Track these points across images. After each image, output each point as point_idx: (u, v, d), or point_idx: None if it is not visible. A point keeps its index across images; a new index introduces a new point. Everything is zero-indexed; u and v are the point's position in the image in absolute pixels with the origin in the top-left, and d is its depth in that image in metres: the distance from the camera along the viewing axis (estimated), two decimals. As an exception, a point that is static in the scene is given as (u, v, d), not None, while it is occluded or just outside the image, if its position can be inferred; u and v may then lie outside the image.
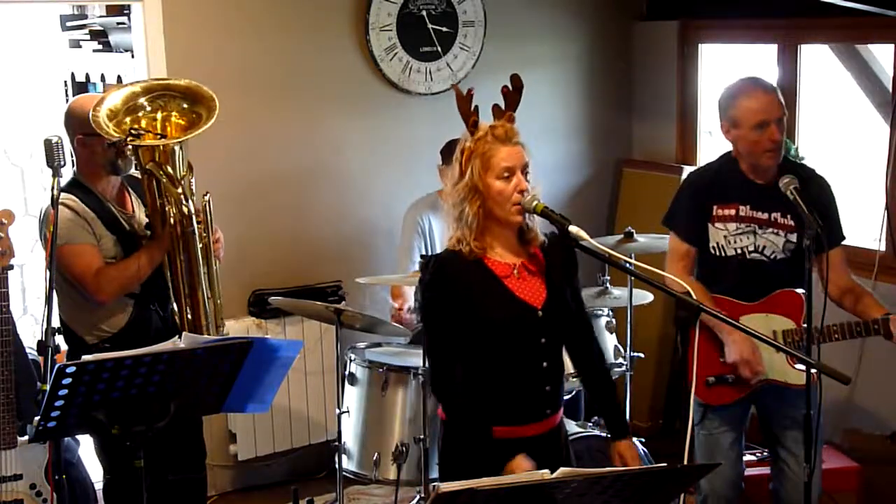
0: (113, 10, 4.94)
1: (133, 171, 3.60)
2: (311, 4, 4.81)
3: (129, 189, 3.68)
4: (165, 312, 3.64)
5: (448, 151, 4.51)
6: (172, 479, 3.72)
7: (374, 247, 5.08)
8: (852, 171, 5.38)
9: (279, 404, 4.71)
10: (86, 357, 2.74)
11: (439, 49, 5.07)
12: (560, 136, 5.51)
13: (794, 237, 3.50)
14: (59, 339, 3.41)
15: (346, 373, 4.14)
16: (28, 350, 3.74)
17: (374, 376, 4.06)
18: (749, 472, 3.92)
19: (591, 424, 4.34)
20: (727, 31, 5.37)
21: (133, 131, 3.41)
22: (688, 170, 5.35)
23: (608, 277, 4.54)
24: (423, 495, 3.97)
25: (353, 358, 4.14)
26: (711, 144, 5.53)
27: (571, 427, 4.11)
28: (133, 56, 4.73)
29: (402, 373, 4.00)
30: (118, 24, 4.91)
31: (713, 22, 5.33)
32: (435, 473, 3.88)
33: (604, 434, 4.20)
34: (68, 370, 2.69)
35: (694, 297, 2.82)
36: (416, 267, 4.45)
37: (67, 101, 5.42)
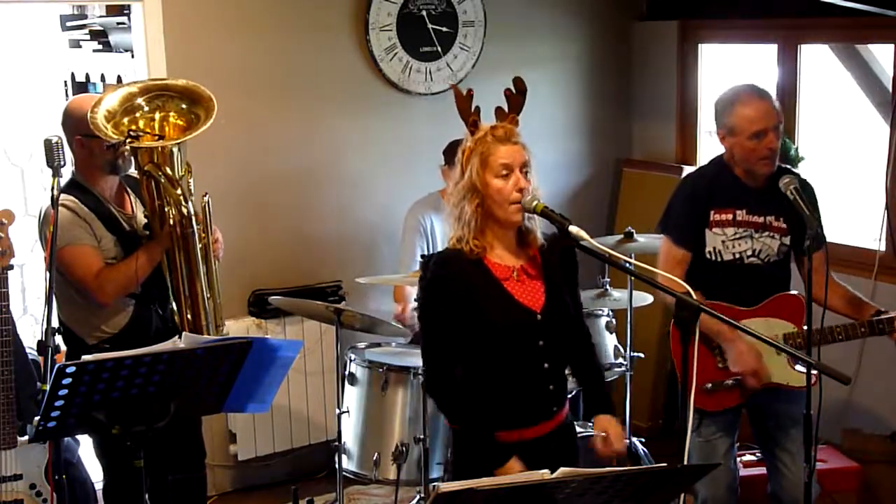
0: (113, 10, 4.94)
1: (132, 171, 3.60)
2: (311, 4, 4.81)
3: (128, 189, 3.68)
4: (165, 312, 3.64)
5: (450, 151, 4.51)
6: (172, 479, 3.72)
7: (374, 247, 5.08)
8: (852, 171, 5.38)
9: (279, 404, 4.71)
10: (86, 357, 2.74)
11: (439, 49, 5.07)
12: (560, 136, 5.51)
13: (787, 240, 3.51)
14: (59, 339, 3.41)
15: (346, 373, 4.14)
16: (28, 350, 3.74)
17: (374, 376, 4.05)
18: (745, 472, 3.92)
19: (591, 424, 4.33)
20: (727, 31, 5.37)
21: (132, 133, 3.40)
22: (688, 170, 5.35)
23: (608, 279, 4.54)
24: (423, 495, 3.97)
25: (353, 358, 4.14)
26: (711, 144, 5.54)
27: (571, 427, 4.11)
28: (133, 56, 4.73)
29: (402, 373, 4.00)
30: (118, 24, 4.91)
31: (713, 22, 5.34)
32: (435, 473, 3.88)
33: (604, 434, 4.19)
34: (68, 370, 2.69)
35: (694, 296, 2.81)
36: (418, 267, 4.45)
37: (67, 101, 5.42)
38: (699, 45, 5.39)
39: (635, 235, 4.42)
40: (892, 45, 4.59)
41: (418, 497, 4.05)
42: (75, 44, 5.41)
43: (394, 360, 4.08)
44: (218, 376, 2.97)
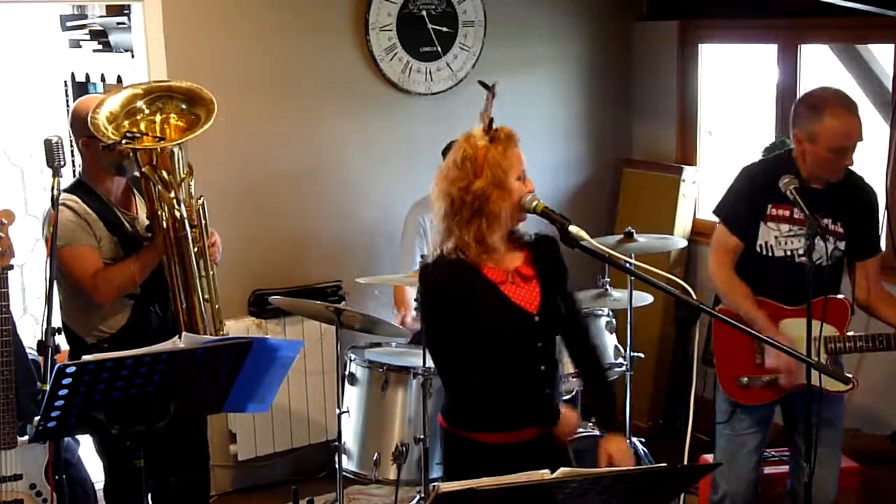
0: (113, 10, 4.94)
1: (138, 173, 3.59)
2: (311, 4, 4.81)
3: (135, 190, 3.68)
4: (166, 314, 3.63)
5: (449, 152, 4.51)
6: (175, 481, 3.72)
7: (374, 247, 5.08)
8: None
9: (279, 404, 4.71)
10: (86, 357, 2.74)
11: (439, 49, 5.07)
12: (560, 136, 5.51)
13: (842, 245, 3.47)
14: (60, 339, 3.41)
15: (346, 373, 4.14)
16: (28, 350, 3.74)
17: (374, 376, 4.06)
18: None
19: (590, 424, 4.33)
20: (727, 31, 5.37)
21: (129, 134, 3.40)
22: (688, 170, 5.36)
23: (608, 279, 4.54)
24: (423, 495, 3.97)
25: (353, 358, 4.14)
26: (711, 144, 5.54)
27: (571, 427, 4.11)
28: (133, 56, 4.73)
29: (402, 373, 4.00)
30: (118, 24, 4.91)
31: (713, 22, 5.33)
32: (435, 473, 3.88)
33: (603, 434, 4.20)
34: (68, 370, 2.69)
35: (694, 296, 2.82)
36: (417, 267, 4.45)
37: (67, 100, 5.42)
38: (699, 45, 5.39)
39: (635, 235, 4.42)
40: (892, 45, 4.59)
41: (418, 497, 4.05)
42: (75, 44, 5.40)
43: (394, 360, 4.08)
44: (218, 376, 2.97)
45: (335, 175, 4.98)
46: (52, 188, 3.36)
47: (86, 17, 5.37)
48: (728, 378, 3.54)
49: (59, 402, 2.76)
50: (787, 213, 3.47)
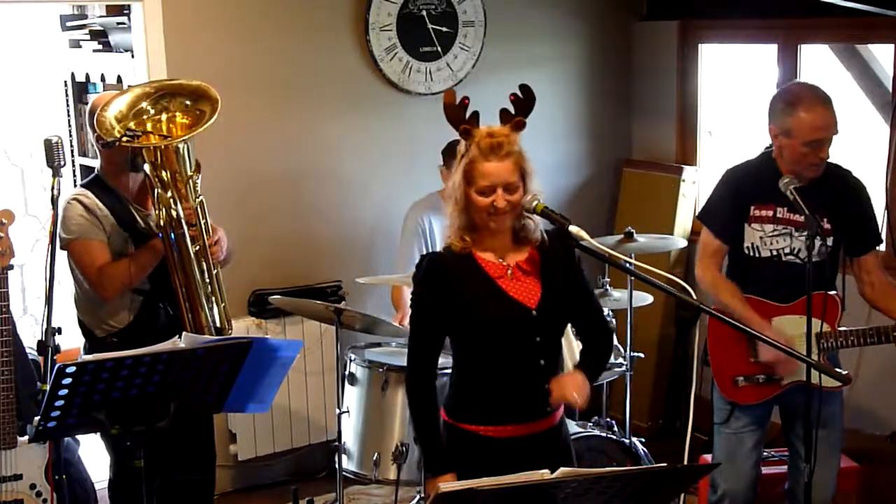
0: (113, 10, 4.93)
1: None
2: (311, 4, 4.81)
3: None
4: (175, 311, 3.63)
5: (449, 152, 4.51)
6: (180, 479, 3.73)
7: (374, 247, 5.08)
8: (852, 171, 5.36)
9: (279, 404, 4.71)
10: (85, 357, 2.74)
11: (439, 49, 5.07)
12: (560, 136, 5.51)
13: (830, 241, 3.47)
14: (60, 339, 3.42)
15: (346, 373, 4.14)
16: (28, 350, 3.74)
17: (374, 376, 4.06)
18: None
19: (591, 424, 4.34)
20: (727, 31, 5.37)
21: (129, 132, 3.41)
22: (688, 170, 5.36)
23: (608, 279, 4.54)
24: (423, 495, 3.97)
25: (353, 358, 4.14)
26: (711, 144, 5.54)
27: (571, 427, 4.11)
28: (133, 56, 4.73)
29: (402, 373, 3.99)
30: (118, 24, 4.90)
31: (713, 22, 5.34)
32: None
33: (604, 434, 4.20)
34: (68, 370, 2.69)
35: (694, 296, 2.82)
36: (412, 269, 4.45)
37: (67, 100, 5.42)
38: (699, 45, 5.39)
39: (635, 235, 4.41)
40: (892, 45, 4.59)
41: (418, 497, 4.05)
42: (75, 44, 5.40)
43: (394, 360, 4.08)
44: (218, 376, 2.98)
45: (335, 175, 4.98)
46: (52, 188, 3.37)
47: (86, 17, 5.36)
48: (724, 378, 3.55)
49: (59, 402, 2.76)
50: (770, 213, 3.49)
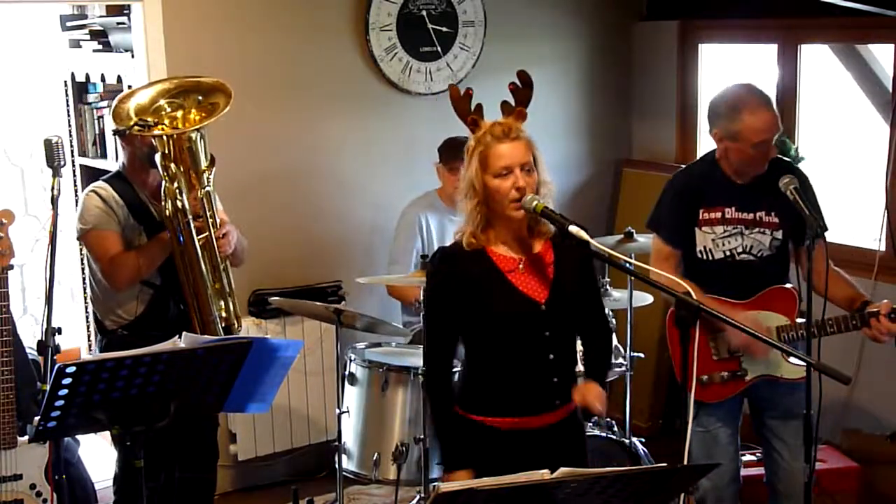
0: (113, 10, 4.94)
1: None
2: (311, 4, 4.81)
3: None
4: (185, 307, 3.66)
5: (445, 149, 4.51)
6: (180, 476, 3.74)
7: (374, 247, 5.08)
8: (852, 171, 5.38)
9: (279, 404, 4.71)
10: (86, 357, 2.75)
11: (439, 49, 5.07)
12: (560, 136, 5.51)
13: (779, 234, 3.51)
14: (59, 339, 3.43)
15: (346, 373, 4.14)
16: (28, 350, 3.75)
17: (374, 376, 4.05)
18: (746, 472, 3.93)
19: (591, 424, 4.33)
20: (727, 31, 5.37)
21: (141, 122, 3.45)
22: (688, 170, 5.36)
23: (608, 279, 4.54)
24: (423, 495, 3.97)
25: (353, 358, 4.14)
26: (711, 144, 5.53)
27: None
28: (133, 56, 4.73)
29: (402, 373, 4.00)
30: (118, 24, 4.90)
31: (713, 22, 5.34)
32: (435, 473, 3.88)
33: (604, 434, 4.20)
34: (68, 370, 2.69)
35: (694, 296, 2.82)
36: (411, 267, 4.44)
37: (67, 100, 5.43)
38: (699, 45, 5.39)
39: (635, 235, 4.42)
40: (892, 45, 4.60)
41: (418, 497, 4.05)
42: (75, 44, 5.39)
43: (394, 360, 4.08)
44: (218, 376, 2.97)
45: (335, 175, 4.98)
46: (52, 188, 3.38)
47: (86, 17, 5.36)
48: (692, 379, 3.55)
49: (59, 402, 2.76)
50: (718, 214, 3.51)
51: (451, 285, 2.84)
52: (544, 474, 2.10)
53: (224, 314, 3.66)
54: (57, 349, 3.37)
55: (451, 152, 4.36)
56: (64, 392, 2.73)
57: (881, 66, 4.96)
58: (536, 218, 2.85)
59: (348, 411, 4.08)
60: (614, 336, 4.38)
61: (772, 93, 5.01)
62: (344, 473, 4.10)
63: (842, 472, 4.32)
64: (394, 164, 5.09)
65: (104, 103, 5.20)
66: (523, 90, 2.91)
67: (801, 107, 4.95)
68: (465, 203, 2.84)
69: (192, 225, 3.49)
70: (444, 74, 5.10)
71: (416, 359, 4.01)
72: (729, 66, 5.56)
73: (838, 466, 4.32)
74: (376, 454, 3.97)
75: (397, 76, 5.01)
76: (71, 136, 5.38)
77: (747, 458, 4.27)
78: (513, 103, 2.91)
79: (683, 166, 3.96)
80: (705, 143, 5.49)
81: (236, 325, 3.73)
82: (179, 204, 3.46)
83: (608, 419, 4.57)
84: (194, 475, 3.82)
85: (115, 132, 3.55)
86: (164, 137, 3.45)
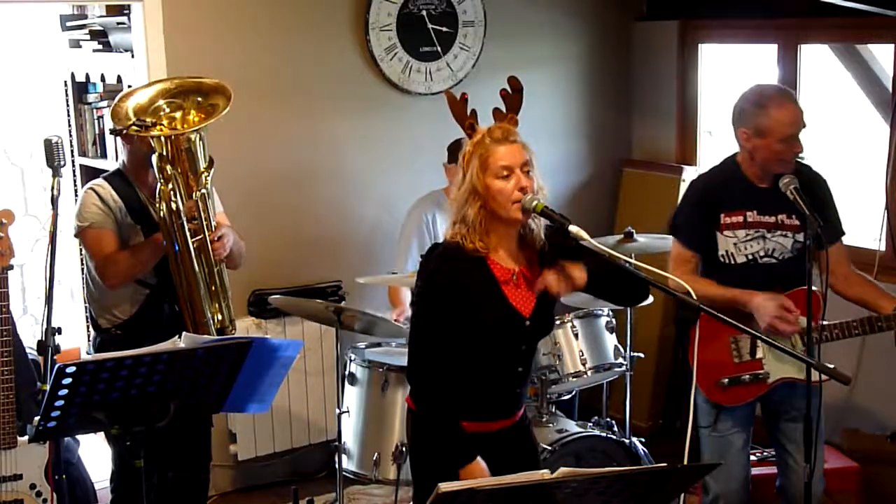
0: (113, 10, 4.94)
1: None
2: (311, 4, 4.81)
3: None
4: (179, 308, 3.65)
5: (454, 149, 4.51)
6: (173, 476, 3.73)
7: (374, 247, 5.07)
8: (852, 171, 5.38)
9: (279, 404, 4.71)
10: (86, 357, 2.75)
11: (439, 49, 5.07)
12: (560, 136, 5.51)
13: (800, 237, 3.49)
14: (59, 339, 3.42)
15: (346, 373, 4.14)
16: (28, 350, 3.75)
17: (374, 376, 4.06)
18: (752, 471, 3.92)
19: (591, 424, 4.34)
20: (727, 31, 5.37)
21: (139, 121, 3.45)
22: (688, 170, 5.36)
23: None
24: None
25: (353, 358, 4.14)
26: (711, 144, 5.54)
27: (571, 427, 4.11)
28: (133, 56, 4.73)
29: (402, 373, 3.99)
30: (118, 24, 4.91)
31: (713, 22, 5.34)
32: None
33: (604, 434, 4.20)
34: (68, 370, 2.69)
35: (694, 297, 2.82)
36: (415, 266, 4.44)
37: (67, 100, 5.43)
38: (699, 45, 5.39)
39: (635, 235, 4.42)
40: (892, 45, 4.59)
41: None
42: (75, 44, 5.40)
43: (394, 360, 4.08)
44: (218, 376, 2.98)
45: (335, 175, 4.98)
46: (52, 188, 3.37)
47: (86, 17, 5.36)
48: (708, 382, 3.54)
49: (59, 402, 2.76)
50: (740, 218, 3.50)
51: (450, 287, 2.83)
52: (544, 474, 2.10)
53: (219, 316, 3.66)
54: (57, 349, 3.37)
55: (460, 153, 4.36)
56: (64, 392, 2.74)
57: (881, 66, 4.96)
58: (530, 227, 2.86)
59: (348, 411, 4.08)
60: (614, 336, 4.39)
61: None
62: (344, 473, 4.10)
63: (842, 472, 4.31)
64: (394, 164, 5.08)
65: (104, 103, 5.20)
66: (514, 95, 2.91)
67: (801, 107, 4.94)
68: (466, 208, 2.82)
69: (187, 227, 3.49)
70: (444, 74, 5.10)
71: (416, 359, 4.00)
72: (729, 66, 5.56)
73: (838, 466, 4.32)
74: (376, 454, 3.98)
75: (397, 76, 5.01)
76: (71, 136, 5.38)
77: (753, 457, 4.26)
78: (504, 109, 2.92)
79: (692, 168, 3.94)
80: (705, 143, 5.49)
81: (230, 328, 3.72)
82: (174, 206, 3.46)
83: (608, 419, 4.58)
84: (187, 475, 3.82)
85: (113, 131, 3.56)
86: (162, 139, 3.45)
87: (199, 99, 3.62)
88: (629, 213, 5.50)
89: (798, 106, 3.42)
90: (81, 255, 3.74)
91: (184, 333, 3.00)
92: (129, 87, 4.70)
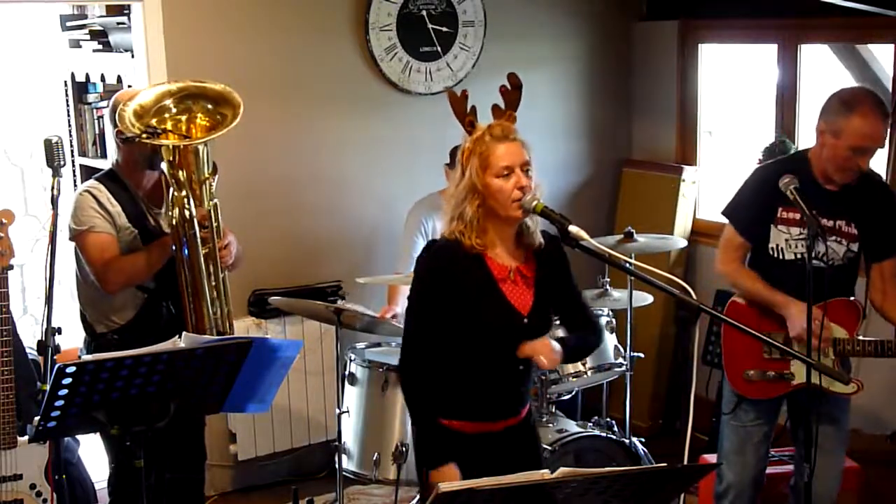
0: (113, 10, 4.94)
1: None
2: (311, 4, 4.81)
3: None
4: (178, 311, 3.63)
5: (456, 153, 4.51)
6: (169, 477, 3.72)
7: (374, 247, 5.08)
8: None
9: (279, 404, 4.71)
10: (86, 357, 2.74)
11: (439, 49, 5.07)
12: (560, 136, 5.51)
13: (855, 246, 3.45)
14: (59, 339, 3.42)
15: (346, 373, 4.14)
16: (28, 350, 3.74)
17: (374, 376, 4.06)
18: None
19: (591, 424, 4.33)
20: (727, 31, 5.37)
21: (149, 129, 3.41)
22: (688, 170, 5.36)
23: (608, 279, 4.54)
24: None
25: (353, 358, 4.14)
26: (711, 144, 5.54)
27: (571, 427, 4.11)
28: (133, 56, 4.73)
29: (401, 373, 3.99)
30: (118, 24, 4.91)
31: (713, 22, 5.33)
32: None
33: (604, 434, 4.20)
34: (68, 370, 2.69)
35: (694, 296, 2.82)
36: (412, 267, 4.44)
37: (67, 100, 5.43)
38: (699, 45, 5.39)
39: (635, 235, 4.41)
40: (892, 45, 4.59)
41: (418, 497, 4.04)
42: (75, 44, 5.40)
43: (394, 360, 4.07)
44: (218, 376, 2.98)
45: (335, 175, 4.98)
46: (52, 188, 3.37)
47: (86, 17, 5.37)
48: (735, 370, 3.53)
49: (59, 402, 2.76)
50: (797, 216, 3.41)
51: (446, 284, 2.83)
52: (544, 474, 2.10)
53: (219, 319, 3.64)
54: (57, 349, 3.36)
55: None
56: (64, 392, 2.73)
57: (881, 66, 4.96)
58: (527, 226, 2.87)
59: (348, 411, 4.08)
60: (614, 336, 4.39)
61: (772, 93, 5.04)
62: (344, 473, 4.10)
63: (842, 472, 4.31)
64: (394, 164, 5.08)
65: (104, 103, 5.20)
66: (512, 92, 2.92)
67: (801, 107, 4.95)
68: (465, 206, 2.82)
69: (199, 235, 3.46)
70: (444, 74, 5.10)
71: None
72: (729, 66, 5.56)
73: (838, 466, 4.31)
74: (376, 454, 3.98)
75: (397, 76, 5.01)
76: (71, 136, 5.38)
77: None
78: (502, 106, 2.92)
79: (770, 161, 3.87)
80: (705, 143, 5.49)
81: (229, 332, 3.70)
82: (187, 213, 3.42)
83: (608, 419, 4.58)
84: (182, 476, 3.81)
85: (124, 140, 3.46)
86: (171, 147, 3.42)
87: (210, 106, 3.56)
88: (629, 213, 5.50)
89: (884, 124, 3.30)
90: (78, 259, 3.64)
91: (184, 333, 3.00)
92: (129, 87, 4.70)
